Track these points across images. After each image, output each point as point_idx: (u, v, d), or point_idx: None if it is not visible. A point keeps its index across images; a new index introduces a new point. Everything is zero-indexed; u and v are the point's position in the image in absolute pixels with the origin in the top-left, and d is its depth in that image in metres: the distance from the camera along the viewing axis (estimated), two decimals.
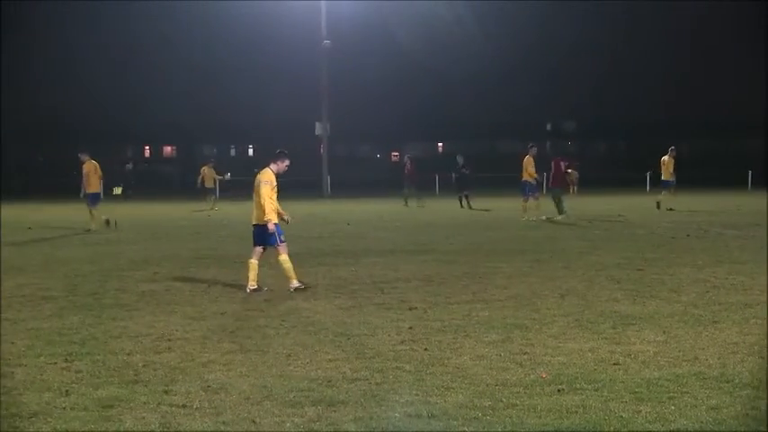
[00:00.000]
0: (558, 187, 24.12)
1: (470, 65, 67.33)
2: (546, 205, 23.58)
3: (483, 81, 72.39)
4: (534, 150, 23.62)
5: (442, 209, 30.13)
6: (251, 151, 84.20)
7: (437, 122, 76.71)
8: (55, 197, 33.01)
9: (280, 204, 10.87)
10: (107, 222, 21.20)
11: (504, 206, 25.86)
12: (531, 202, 23.20)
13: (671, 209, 25.66)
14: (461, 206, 30.14)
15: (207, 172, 32.99)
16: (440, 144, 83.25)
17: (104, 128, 72.44)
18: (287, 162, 10.94)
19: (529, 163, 23.36)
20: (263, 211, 10.40)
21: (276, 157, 10.98)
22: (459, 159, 32.57)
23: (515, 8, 69.24)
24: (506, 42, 70.77)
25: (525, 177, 23.37)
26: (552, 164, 24.57)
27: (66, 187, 42.97)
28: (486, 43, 67.14)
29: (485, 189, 36.78)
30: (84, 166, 21.42)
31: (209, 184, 32.94)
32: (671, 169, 27.09)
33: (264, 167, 10.98)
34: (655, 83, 76.16)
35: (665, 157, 27.26)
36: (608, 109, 78.58)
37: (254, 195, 10.76)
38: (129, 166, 35.99)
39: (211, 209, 31.11)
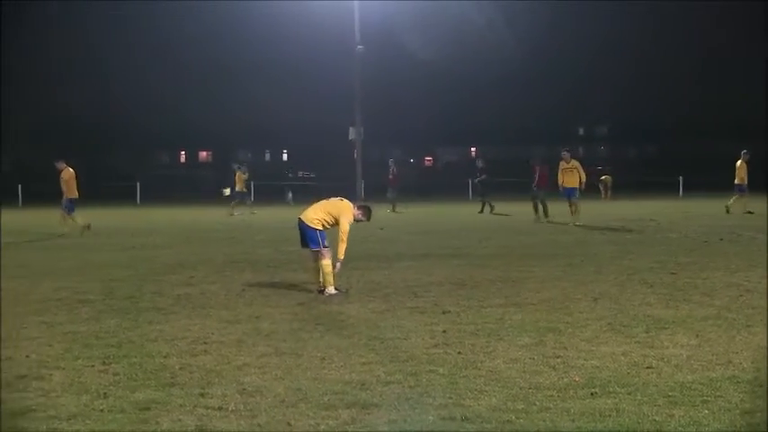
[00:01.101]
0: (541, 189, 24.32)
1: (501, 69, 67.16)
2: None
3: (514, 85, 72.26)
4: (567, 155, 23.46)
5: (472, 213, 30.25)
6: (285, 156, 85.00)
7: (469, 127, 76.72)
8: (91, 202, 33.19)
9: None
10: (88, 227, 21.62)
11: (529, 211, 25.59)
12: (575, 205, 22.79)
13: (749, 212, 25.52)
14: (481, 211, 29.84)
15: (239, 176, 33.29)
16: (473, 149, 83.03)
17: (139, 131, 73.41)
18: (362, 217, 10.93)
19: (570, 169, 23.08)
20: (339, 247, 10.43)
21: (361, 208, 11.04)
22: (479, 163, 32.75)
23: (545, 10, 69.25)
24: (536, 44, 70.55)
25: (568, 184, 23.02)
26: (537, 168, 24.58)
27: (103, 193, 44.00)
28: (516, 47, 66.97)
29: (513, 194, 36.49)
30: (62, 173, 22.07)
31: (240, 188, 33.47)
32: (743, 173, 26.49)
33: (343, 198, 11.09)
34: (685, 84, 75.45)
35: (739, 161, 26.75)
36: (639, 112, 77.73)
37: (321, 208, 10.77)
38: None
39: (251, 212, 32.69)
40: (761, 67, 65.89)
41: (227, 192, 34.26)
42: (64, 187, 21.95)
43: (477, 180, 32.35)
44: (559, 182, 23.63)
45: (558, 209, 24.25)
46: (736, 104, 70.38)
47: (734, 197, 26.71)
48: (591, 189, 30.55)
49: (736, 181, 26.81)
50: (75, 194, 22.28)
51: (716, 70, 75.41)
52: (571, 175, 23.11)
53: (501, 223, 25.33)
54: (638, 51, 77.23)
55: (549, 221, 23.35)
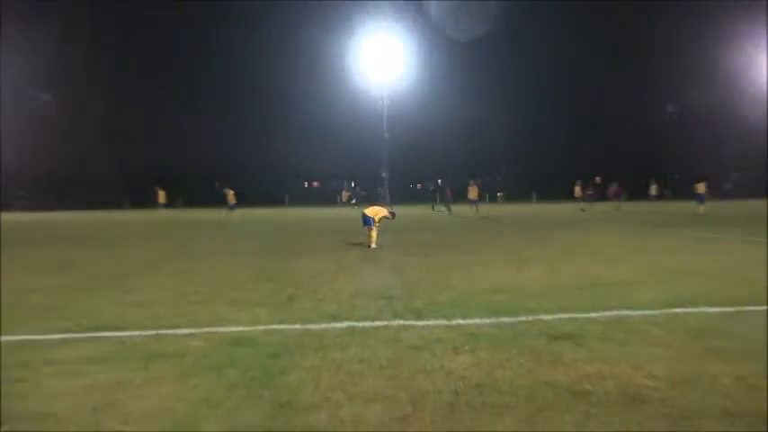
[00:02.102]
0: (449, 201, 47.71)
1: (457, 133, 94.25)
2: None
3: (463, 142, 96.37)
4: (473, 182, 44.48)
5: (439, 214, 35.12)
6: (353, 183, 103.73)
7: (437, 167, 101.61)
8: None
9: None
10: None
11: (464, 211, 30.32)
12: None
13: (582, 209, 31.52)
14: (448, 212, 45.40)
15: (345, 194, 58.90)
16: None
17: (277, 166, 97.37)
18: (389, 216, 18.75)
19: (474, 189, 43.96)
20: (373, 214, 18.29)
21: (390, 212, 18.87)
22: (441, 185, 54.82)
23: None
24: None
25: (472, 197, 43.73)
26: (448, 191, 48.62)
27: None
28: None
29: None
30: (229, 194, 41.67)
31: (345, 200, 56.95)
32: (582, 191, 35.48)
33: (375, 205, 19.75)
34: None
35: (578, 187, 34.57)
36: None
37: (370, 208, 18.67)
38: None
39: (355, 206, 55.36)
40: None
41: (352, 200, 58.39)
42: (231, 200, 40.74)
43: (442, 197, 51.69)
44: (469, 195, 43.71)
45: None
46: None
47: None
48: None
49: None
50: (234, 201, 41.38)
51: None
52: (475, 192, 43.86)
53: (444, 217, 30.34)
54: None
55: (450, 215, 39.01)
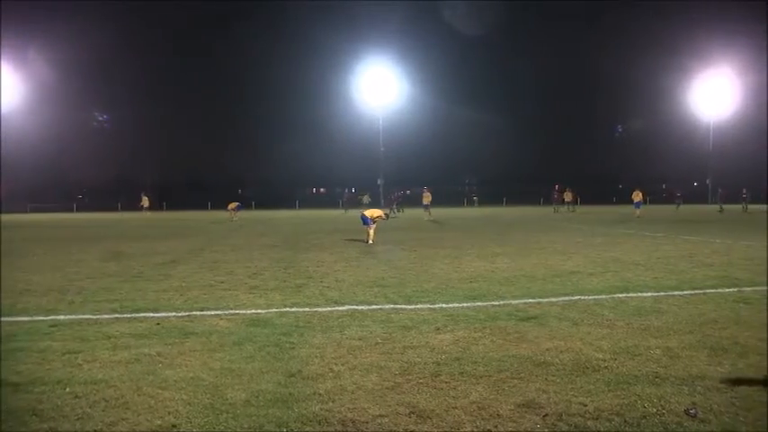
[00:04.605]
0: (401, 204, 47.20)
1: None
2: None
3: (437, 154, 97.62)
4: (426, 188, 41.41)
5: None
6: (353, 189, 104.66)
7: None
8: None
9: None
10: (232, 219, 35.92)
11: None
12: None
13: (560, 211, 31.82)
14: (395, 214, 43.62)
15: (364, 197, 53.07)
16: (425, 187, 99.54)
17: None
18: (384, 217, 18.78)
19: (427, 195, 40.68)
20: (371, 215, 18.21)
21: (384, 214, 19.04)
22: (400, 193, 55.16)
23: None
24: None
25: (426, 201, 40.41)
26: (398, 194, 47.10)
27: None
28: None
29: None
30: (229, 206, 37.18)
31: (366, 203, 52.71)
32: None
33: (376, 208, 20.48)
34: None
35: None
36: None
37: (366, 210, 18.89)
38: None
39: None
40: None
41: (367, 199, 53.53)
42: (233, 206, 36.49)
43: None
44: (424, 201, 40.65)
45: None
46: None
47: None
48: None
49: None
50: (237, 204, 36.79)
51: None
52: (428, 198, 40.65)
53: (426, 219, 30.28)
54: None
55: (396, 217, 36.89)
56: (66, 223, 38.87)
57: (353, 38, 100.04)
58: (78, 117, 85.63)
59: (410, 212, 47.77)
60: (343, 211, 53.55)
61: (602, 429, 4.08)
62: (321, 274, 11.55)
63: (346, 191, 60.83)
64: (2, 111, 63.57)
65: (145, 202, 52.14)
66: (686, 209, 51.31)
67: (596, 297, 8.80)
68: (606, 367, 5.34)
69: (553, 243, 17.58)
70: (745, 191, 46.38)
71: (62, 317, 7.81)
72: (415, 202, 49.99)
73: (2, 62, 63.38)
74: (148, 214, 51.32)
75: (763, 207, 48.77)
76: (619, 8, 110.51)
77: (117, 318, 7.75)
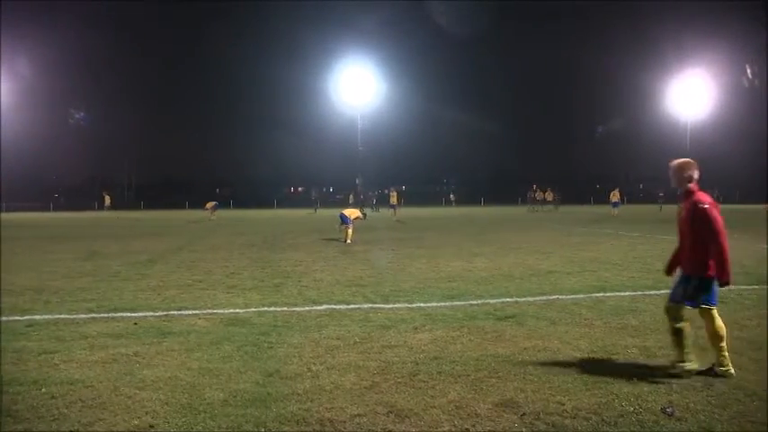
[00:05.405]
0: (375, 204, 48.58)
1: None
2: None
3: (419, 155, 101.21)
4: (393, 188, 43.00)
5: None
6: (331, 189, 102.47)
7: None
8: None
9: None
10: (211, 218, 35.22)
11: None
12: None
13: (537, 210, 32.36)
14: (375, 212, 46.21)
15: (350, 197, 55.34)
16: (391, 187, 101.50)
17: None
18: (361, 217, 19.54)
19: (394, 195, 40.05)
20: (350, 214, 18.36)
21: (362, 213, 19.86)
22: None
23: None
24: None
25: (393, 202, 39.60)
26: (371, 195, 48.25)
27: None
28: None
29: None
30: (208, 205, 37.47)
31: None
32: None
33: (354, 208, 21.32)
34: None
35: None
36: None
37: (346, 210, 19.09)
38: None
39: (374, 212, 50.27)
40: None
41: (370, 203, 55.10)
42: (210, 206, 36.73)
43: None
44: (390, 201, 40.03)
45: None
46: None
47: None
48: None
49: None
50: (214, 203, 37.48)
51: None
52: (395, 198, 39.94)
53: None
54: None
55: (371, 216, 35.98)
56: (43, 222, 38.30)
57: (332, 37, 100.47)
58: (55, 115, 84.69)
59: (384, 212, 47.73)
60: (312, 210, 52.30)
61: (579, 428, 4.12)
62: (299, 274, 11.52)
63: (314, 190, 59.18)
64: None
65: (107, 200, 51.58)
66: (669, 209, 51.79)
67: (574, 296, 8.88)
68: (582, 367, 5.39)
69: (531, 243, 17.69)
70: (662, 193, 47.21)
71: (38, 316, 7.71)
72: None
73: None
74: (112, 213, 50.73)
75: (739, 207, 49.42)
76: (598, 8, 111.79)
77: (94, 317, 7.66)
